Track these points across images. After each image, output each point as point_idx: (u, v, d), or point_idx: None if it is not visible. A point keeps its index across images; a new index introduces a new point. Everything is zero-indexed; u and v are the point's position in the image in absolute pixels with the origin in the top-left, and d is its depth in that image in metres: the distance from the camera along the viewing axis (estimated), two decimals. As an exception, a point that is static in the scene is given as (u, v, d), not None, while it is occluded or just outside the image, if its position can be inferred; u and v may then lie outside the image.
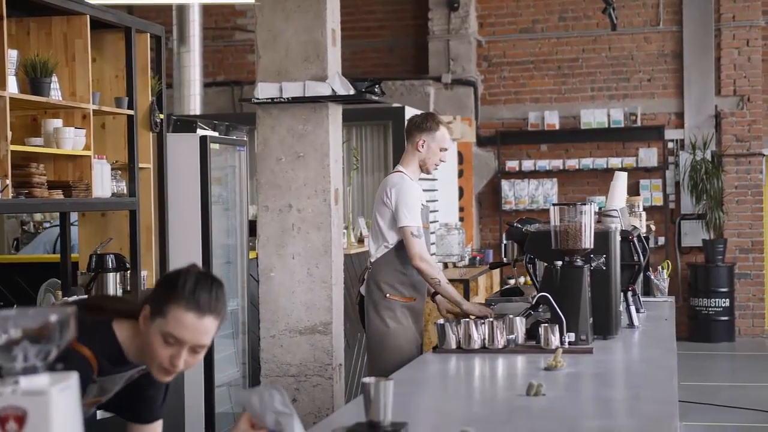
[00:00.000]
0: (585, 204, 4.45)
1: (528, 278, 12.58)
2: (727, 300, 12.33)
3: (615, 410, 3.27)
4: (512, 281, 12.49)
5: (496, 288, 11.37)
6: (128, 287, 5.62)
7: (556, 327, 4.24)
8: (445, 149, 5.39)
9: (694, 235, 12.66)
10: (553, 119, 12.97)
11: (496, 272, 11.37)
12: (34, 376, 1.74)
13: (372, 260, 5.36)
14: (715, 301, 12.30)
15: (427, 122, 5.36)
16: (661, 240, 12.65)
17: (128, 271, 5.61)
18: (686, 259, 12.78)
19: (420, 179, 5.47)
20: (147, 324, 2.60)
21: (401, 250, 5.25)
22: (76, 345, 2.59)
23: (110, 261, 5.45)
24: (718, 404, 8.83)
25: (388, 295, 5.25)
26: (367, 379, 2.73)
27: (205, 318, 2.55)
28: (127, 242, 5.69)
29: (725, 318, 12.34)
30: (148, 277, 5.82)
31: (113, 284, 5.45)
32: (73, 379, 1.78)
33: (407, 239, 5.16)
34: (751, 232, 12.68)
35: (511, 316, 4.44)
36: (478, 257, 11.20)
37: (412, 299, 5.28)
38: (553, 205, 4.47)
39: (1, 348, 1.73)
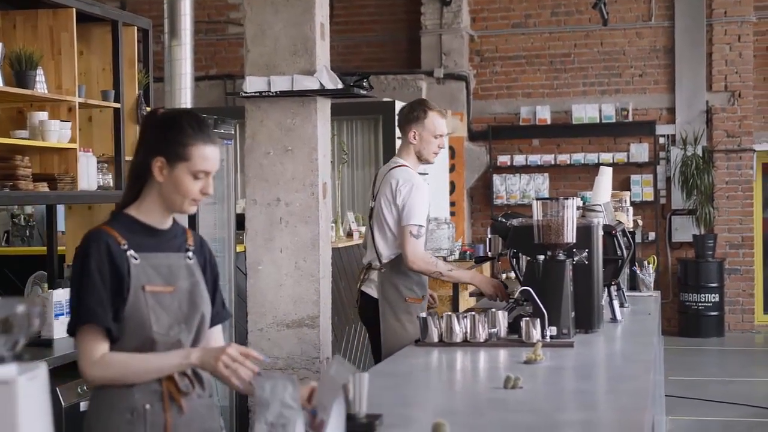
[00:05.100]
0: (567, 199, 4.46)
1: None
2: (717, 295, 12.37)
3: (589, 403, 3.29)
4: (504, 276, 12.52)
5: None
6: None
7: (538, 321, 4.26)
8: (440, 135, 5.23)
9: (684, 230, 12.69)
10: (544, 114, 13.00)
11: (487, 267, 11.39)
12: (2, 366, 1.76)
13: (384, 260, 5.20)
14: (704, 297, 12.34)
15: (414, 111, 5.23)
16: (652, 235, 12.68)
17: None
18: (676, 254, 12.82)
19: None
20: (166, 172, 2.84)
21: None
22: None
23: (96, 253, 5.45)
24: (707, 399, 8.86)
25: (408, 298, 5.16)
26: (341, 372, 2.75)
27: (216, 146, 2.89)
28: (114, 235, 5.70)
29: (715, 313, 12.38)
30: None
31: (99, 277, 5.45)
32: (41, 369, 1.80)
33: (404, 238, 5.05)
34: (741, 227, 12.72)
35: (493, 309, 4.46)
36: (468, 252, 11.22)
37: (423, 298, 5.24)
38: (536, 199, 4.49)
39: (-32, 338, 1.75)
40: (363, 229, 8.28)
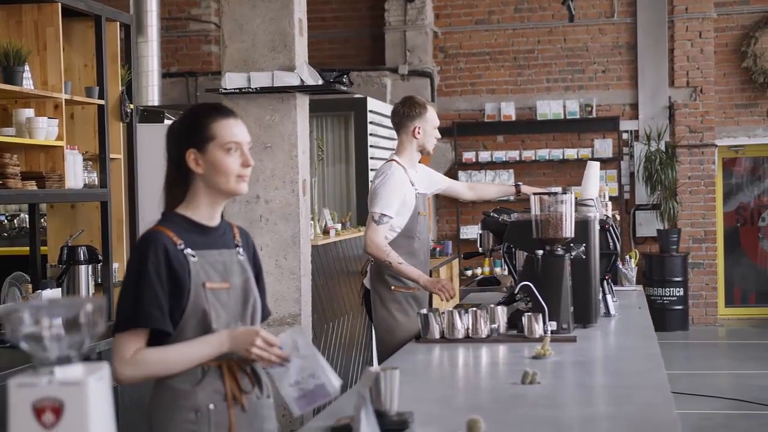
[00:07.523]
0: (566, 193, 4.46)
1: (489, 268, 12.63)
2: (681, 289, 12.48)
3: (610, 397, 3.29)
4: (469, 272, 12.55)
5: (456, 279, 11.41)
6: (99, 279, 5.54)
7: (540, 316, 4.26)
8: (437, 126, 5.48)
9: (648, 225, 12.79)
10: (509, 110, 13.02)
11: (456, 263, 11.41)
12: (69, 366, 1.72)
13: None
14: (669, 291, 12.44)
15: (415, 109, 5.38)
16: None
17: (100, 264, 5.52)
18: (641, 248, 12.90)
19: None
20: (201, 160, 2.84)
21: (401, 240, 5.24)
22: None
23: (82, 253, 5.36)
24: (674, 392, 8.92)
25: (393, 287, 5.27)
26: (373, 369, 2.72)
27: (238, 119, 2.92)
28: (98, 234, 5.61)
29: (679, 307, 12.49)
30: (120, 269, 5.74)
31: (85, 277, 5.36)
32: (105, 368, 1.75)
33: (368, 223, 5.21)
34: (704, 222, 12.85)
35: (492, 305, 4.45)
36: (438, 248, 11.23)
37: (415, 288, 5.29)
38: (534, 194, 4.48)
39: (35, 338, 1.70)
40: (339, 226, 8.25)
